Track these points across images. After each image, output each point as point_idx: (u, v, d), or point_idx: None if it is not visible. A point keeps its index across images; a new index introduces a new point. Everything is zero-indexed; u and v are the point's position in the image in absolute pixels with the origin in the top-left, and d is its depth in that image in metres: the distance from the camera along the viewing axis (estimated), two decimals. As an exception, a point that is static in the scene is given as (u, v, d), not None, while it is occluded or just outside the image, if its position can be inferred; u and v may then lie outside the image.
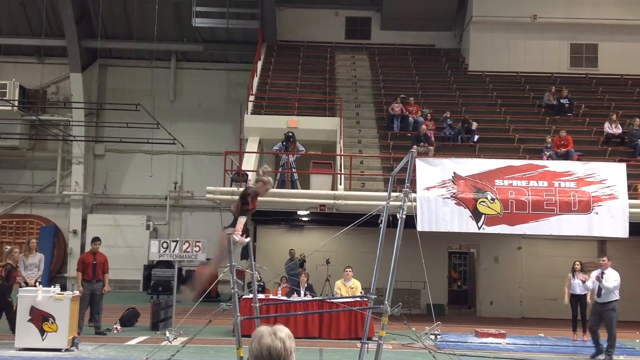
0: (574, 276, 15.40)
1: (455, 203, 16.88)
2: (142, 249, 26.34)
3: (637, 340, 15.80)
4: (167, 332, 11.70)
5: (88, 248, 16.47)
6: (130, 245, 27.12)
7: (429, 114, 22.03)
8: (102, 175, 29.33)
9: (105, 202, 29.22)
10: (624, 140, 21.52)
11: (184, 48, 30.06)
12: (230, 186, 18.07)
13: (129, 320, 15.73)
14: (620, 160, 18.94)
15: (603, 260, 13.31)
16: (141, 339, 13.95)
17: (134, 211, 28.57)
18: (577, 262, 15.47)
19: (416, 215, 16.01)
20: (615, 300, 12.78)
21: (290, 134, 19.52)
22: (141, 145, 28.15)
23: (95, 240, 14.93)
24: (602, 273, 12.98)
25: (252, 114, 22.34)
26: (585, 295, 15.20)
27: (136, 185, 28.96)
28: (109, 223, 27.48)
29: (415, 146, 18.70)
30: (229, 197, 17.67)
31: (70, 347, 12.14)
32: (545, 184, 17.09)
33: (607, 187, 17.06)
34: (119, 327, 15.01)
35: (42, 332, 12.03)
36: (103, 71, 30.11)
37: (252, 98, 23.02)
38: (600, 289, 12.82)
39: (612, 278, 12.84)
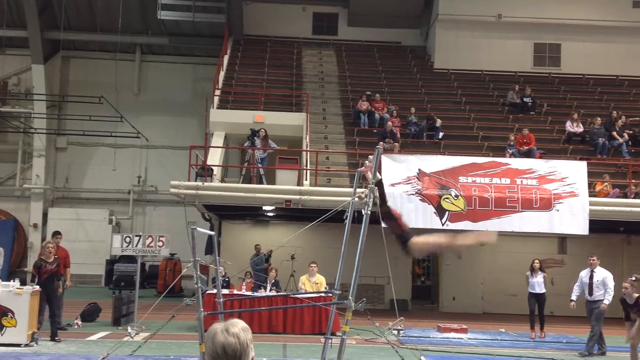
0: (532, 274, 15.31)
1: (419, 199, 17.02)
2: (104, 243, 26.03)
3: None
4: (129, 328, 11.62)
5: (49, 242, 16.18)
6: (92, 240, 26.80)
7: (394, 111, 22.14)
8: (64, 168, 28.91)
9: (66, 196, 28.81)
10: (585, 139, 21.89)
11: (149, 41, 29.73)
12: (195, 181, 17.93)
13: (90, 315, 15.54)
14: (581, 159, 19.27)
15: (593, 260, 13.38)
16: (102, 334, 13.78)
17: (96, 205, 28.24)
18: (536, 261, 15.43)
19: (381, 211, 16.07)
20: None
21: (263, 131, 19.44)
22: (104, 139, 27.84)
23: (56, 234, 14.69)
24: (592, 272, 13.13)
25: (218, 108, 22.20)
26: (544, 293, 15.21)
27: (99, 179, 28.60)
28: (70, 217, 27.12)
29: (381, 142, 18.82)
30: (193, 192, 17.54)
31: (30, 342, 11.94)
32: (508, 181, 17.31)
33: (568, 184, 17.35)
34: (79, 323, 14.81)
35: (1, 327, 11.82)
36: (65, 63, 29.66)
37: (218, 92, 22.87)
38: (590, 287, 12.95)
39: (602, 276, 12.99)
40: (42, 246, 13.24)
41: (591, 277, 13.00)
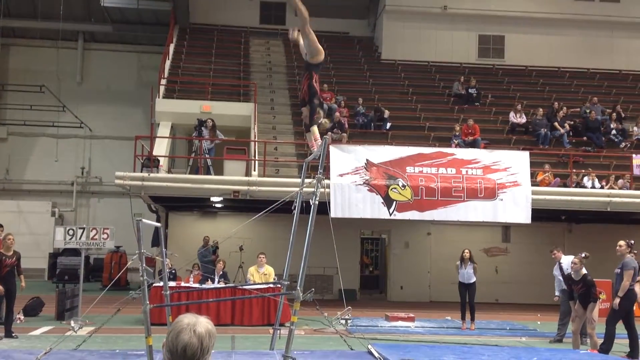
0: (461, 265, 14.98)
1: (367, 189, 17.12)
2: (47, 236, 25.40)
3: (539, 322, 16.51)
4: (73, 322, 11.36)
5: (-12, 236, 15.71)
6: (35, 233, 26.11)
7: (342, 101, 22.20)
8: (4, 159, 28.09)
9: (7, 188, 28.02)
10: (527, 130, 22.37)
11: (92, 28, 29.06)
12: (141, 172, 17.65)
13: (32, 309, 15.18)
14: (524, 149, 19.68)
15: (554, 254, 13.34)
16: (46, 329, 13.48)
17: (38, 197, 27.53)
18: (466, 251, 15.15)
19: (329, 202, 16.12)
20: None
21: (211, 121, 19.25)
22: (46, 129, 27.15)
23: (-3, 227, 14.27)
24: (560, 264, 13.17)
25: (164, 98, 21.89)
26: (473, 283, 14.87)
27: (41, 171, 27.90)
28: (11, 209, 26.34)
29: (329, 133, 18.83)
30: (139, 183, 17.27)
31: (-30, 338, 11.58)
32: (454, 171, 17.56)
33: (512, 174, 17.69)
34: (22, 317, 14.44)
35: (-62, 324, 11.42)
36: (5, 51, 28.78)
37: (164, 82, 22.53)
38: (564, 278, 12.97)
39: (567, 264, 12.99)
40: (2, 238, 12.78)
41: (561, 269, 13.14)
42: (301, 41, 8.31)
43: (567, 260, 12.90)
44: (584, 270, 11.40)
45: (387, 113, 21.72)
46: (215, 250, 18.68)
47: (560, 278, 13.15)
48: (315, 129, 8.37)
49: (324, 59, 8.45)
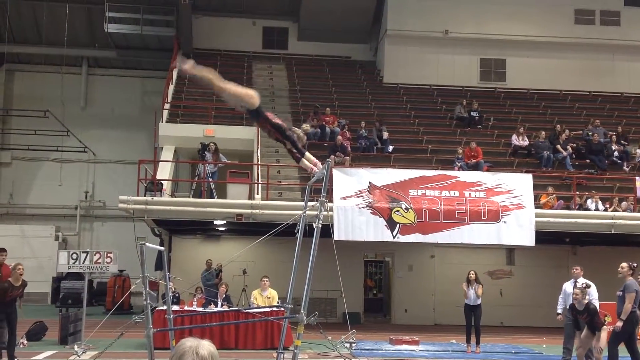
0: (469, 286, 14.92)
1: (370, 212, 17.12)
2: (50, 260, 25.40)
3: (544, 345, 16.39)
4: (76, 346, 11.34)
5: (-8, 260, 15.68)
6: (38, 257, 26.12)
7: (345, 125, 22.27)
8: (8, 184, 28.18)
9: (11, 212, 28.06)
10: (530, 152, 22.39)
11: (96, 54, 29.31)
12: (144, 196, 17.68)
13: (36, 334, 15.13)
14: (526, 171, 19.69)
15: (576, 270, 13.12)
16: (49, 353, 13.43)
17: (42, 221, 27.57)
18: (472, 272, 15.07)
19: (332, 225, 16.11)
20: None
21: (213, 145, 19.35)
22: (50, 153, 27.26)
23: (1, 251, 14.26)
24: (576, 282, 13.03)
25: (167, 122, 21.99)
26: (479, 305, 14.83)
27: (44, 195, 27.96)
28: (15, 234, 26.38)
29: (332, 156, 18.90)
30: (142, 207, 17.28)
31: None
32: (457, 193, 17.56)
33: (515, 197, 17.69)
34: (25, 342, 14.40)
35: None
36: (10, 76, 29.02)
37: (167, 106, 22.65)
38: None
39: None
40: (12, 268, 12.63)
41: (575, 287, 12.96)
42: (205, 75, 8.25)
43: (569, 287, 12.81)
44: (586, 300, 11.26)
45: (386, 134, 21.77)
46: (219, 273, 18.64)
47: (570, 292, 12.97)
48: (308, 154, 8.42)
49: (258, 99, 8.36)
